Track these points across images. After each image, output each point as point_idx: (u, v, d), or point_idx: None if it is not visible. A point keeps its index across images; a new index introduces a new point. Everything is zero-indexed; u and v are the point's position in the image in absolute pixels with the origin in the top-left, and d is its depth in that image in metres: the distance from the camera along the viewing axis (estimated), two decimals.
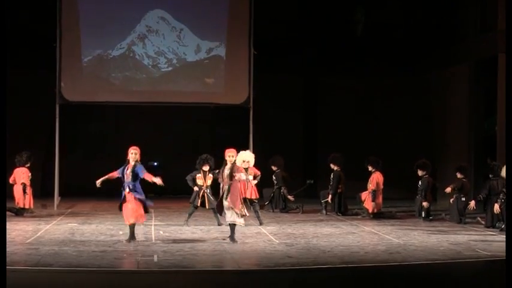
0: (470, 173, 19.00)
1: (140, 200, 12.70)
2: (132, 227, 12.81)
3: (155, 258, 11.12)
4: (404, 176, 19.62)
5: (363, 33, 24.00)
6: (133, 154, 12.69)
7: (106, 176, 12.88)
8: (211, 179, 15.44)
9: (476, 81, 20.83)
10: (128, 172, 12.64)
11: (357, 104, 23.57)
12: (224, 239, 13.00)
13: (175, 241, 13.05)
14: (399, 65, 23.15)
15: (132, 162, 12.66)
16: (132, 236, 12.81)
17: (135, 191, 12.64)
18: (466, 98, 21.00)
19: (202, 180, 15.44)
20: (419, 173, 17.21)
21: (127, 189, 12.64)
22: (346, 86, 23.56)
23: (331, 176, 18.31)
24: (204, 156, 15.57)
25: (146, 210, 12.88)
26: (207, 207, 15.42)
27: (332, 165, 18.40)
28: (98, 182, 12.88)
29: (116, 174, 12.81)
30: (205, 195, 15.36)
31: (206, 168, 15.45)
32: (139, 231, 13.76)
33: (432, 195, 17.55)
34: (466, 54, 20.92)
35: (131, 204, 12.66)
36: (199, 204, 15.39)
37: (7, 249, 11.59)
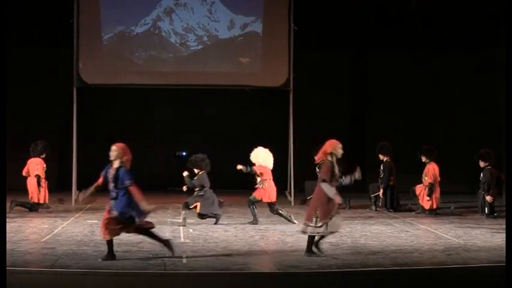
0: None
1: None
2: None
3: (184, 259, 11.21)
4: (465, 168, 19.50)
5: (417, 5, 23.78)
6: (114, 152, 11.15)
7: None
8: None
9: None
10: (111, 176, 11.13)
11: (411, 85, 23.40)
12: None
13: (206, 240, 13.14)
14: (459, 39, 22.92)
15: (116, 164, 11.15)
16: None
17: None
18: None
19: None
20: (481, 163, 17.10)
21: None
22: (398, 64, 23.42)
23: (381, 167, 18.31)
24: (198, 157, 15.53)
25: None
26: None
27: (381, 156, 18.40)
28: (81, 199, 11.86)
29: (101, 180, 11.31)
30: None
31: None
32: (166, 229, 13.91)
33: (497, 189, 17.43)
34: None
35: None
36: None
37: (21, 249, 11.85)
